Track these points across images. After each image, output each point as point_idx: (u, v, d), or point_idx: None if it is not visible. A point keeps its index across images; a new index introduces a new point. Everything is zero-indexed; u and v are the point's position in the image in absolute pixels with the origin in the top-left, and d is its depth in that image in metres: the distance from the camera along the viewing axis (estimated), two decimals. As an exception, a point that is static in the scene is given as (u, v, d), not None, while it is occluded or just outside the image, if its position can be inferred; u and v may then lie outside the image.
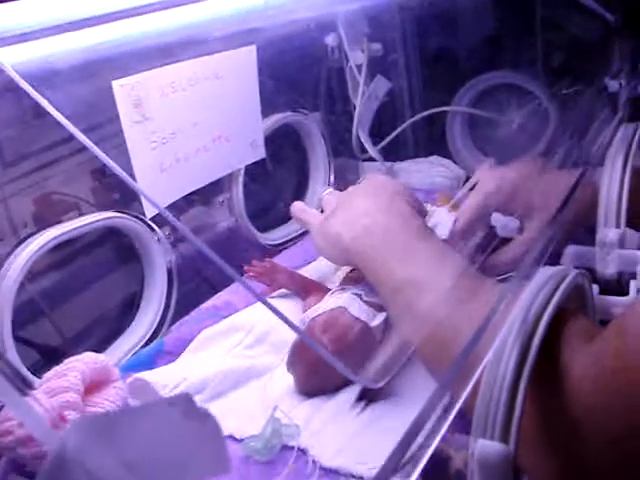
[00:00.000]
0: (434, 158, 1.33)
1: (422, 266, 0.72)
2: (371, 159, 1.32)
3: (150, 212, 0.93)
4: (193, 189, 0.99)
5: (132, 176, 0.89)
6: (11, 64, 0.59)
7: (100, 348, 0.93)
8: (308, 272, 1.00)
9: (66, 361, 0.74)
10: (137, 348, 0.95)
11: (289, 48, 1.10)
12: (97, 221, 0.90)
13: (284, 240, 1.19)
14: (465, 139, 1.34)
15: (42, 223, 0.88)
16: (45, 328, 0.93)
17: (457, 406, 0.51)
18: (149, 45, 0.83)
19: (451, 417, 0.50)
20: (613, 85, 0.95)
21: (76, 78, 0.77)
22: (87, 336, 0.95)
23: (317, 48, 1.21)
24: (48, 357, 0.93)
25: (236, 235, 1.12)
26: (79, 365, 0.73)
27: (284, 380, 0.79)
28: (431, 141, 1.22)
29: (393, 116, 1.36)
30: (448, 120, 1.33)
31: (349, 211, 0.82)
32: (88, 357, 0.75)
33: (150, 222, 0.95)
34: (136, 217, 0.94)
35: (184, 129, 0.95)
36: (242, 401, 0.78)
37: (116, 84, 0.83)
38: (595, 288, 0.73)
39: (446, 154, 1.34)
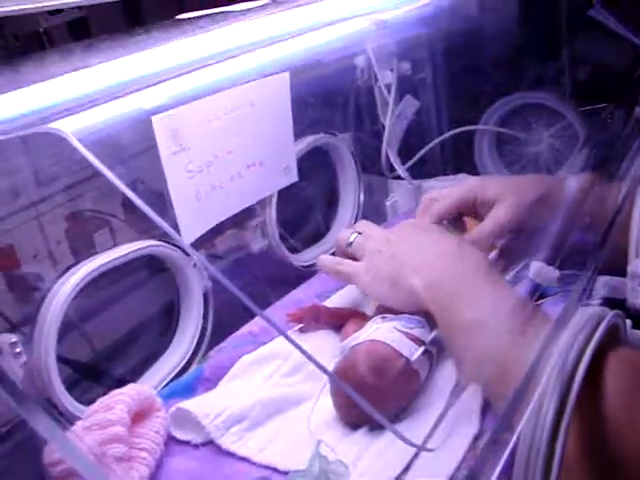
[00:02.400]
0: (462, 176, 1.34)
1: (491, 308, 0.75)
2: (400, 177, 1.33)
3: (188, 239, 0.95)
4: (228, 215, 1.01)
5: (170, 205, 0.91)
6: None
7: (139, 372, 0.96)
8: (342, 297, 1.02)
9: (112, 393, 0.77)
10: (175, 372, 0.97)
11: (320, 72, 1.12)
12: (138, 250, 0.92)
13: (313, 262, 1.21)
14: (493, 157, 1.35)
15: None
16: (85, 353, 0.96)
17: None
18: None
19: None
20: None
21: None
22: (126, 360, 0.98)
23: (347, 70, 1.23)
24: (90, 378, 0.96)
25: (269, 257, 1.13)
26: (124, 398, 0.75)
27: (325, 409, 0.81)
28: (459, 159, 1.23)
29: (422, 134, 1.37)
30: (476, 139, 1.35)
31: (413, 257, 0.86)
32: (132, 389, 0.77)
33: (186, 249, 0.97)
34: (173, 244, 0.96)
35: (220, 157, 0.97)
36: (282, 431, 0.80)
37: (155, 118, 0.85)
38: (629, 322, 0.74)
39: (474, 172, 1.35)
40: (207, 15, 0.86)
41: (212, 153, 0.96)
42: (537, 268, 0.61)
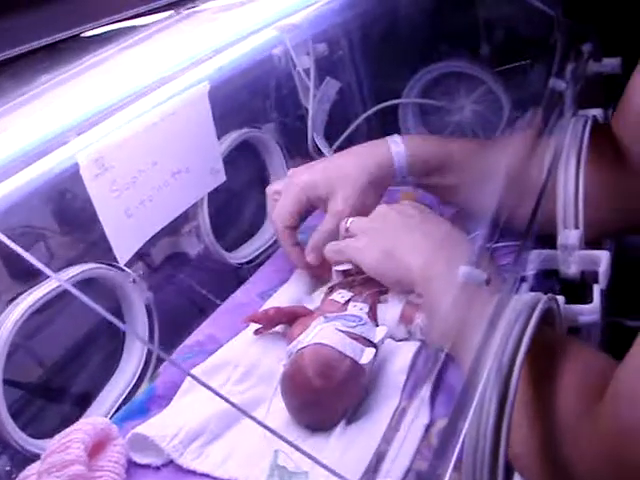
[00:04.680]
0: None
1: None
2: (329, 159, 1.33)
3: (123, 259, 0.94)
4: (161, 226, 1.01)
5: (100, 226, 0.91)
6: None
7: (90, 396, 0.96)
8: (286, 293, 1.02)
9: (66, 431, 0.76)
10: (128, 389, 0.97)
11: (239, 67, 1.11)
12: (74, 276, 0.91)
13: (253, 257, 1.21)
14: (418, 129, 1.37)
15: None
16: (33, 382, 0.95)
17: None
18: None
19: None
20: (559, 84, 0.97)
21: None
22: (76, 385, 0.97)
23: (265, 60, 1.21)
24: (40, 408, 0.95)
25: (207, 260, 1.13)
26: (79, 435, 0.74)
27: (282, 411, 0.81)
28: (386, 134, 1.23)
29: (347, 114, 1.37)
30: (400, 112, 1.35)
31: (409, 234, 0.89)
32: (87, 423, 0.77)
33: (122, 266, 0.96)
34: (109, 264, 0.95)
35: (145, 171, 0.96)
36: (241, 441, 0.81)
37: (80, 155, 0.85)
38: (561, 299, 0.77)
39: (402, 145, 1.36)
40: (113, 32, 0.85)
41: (136, 168, 0.95)
42: (466, 272, 0.62)
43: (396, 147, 1.01)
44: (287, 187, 1.02)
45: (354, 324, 0.82)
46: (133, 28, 0.86)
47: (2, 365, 0.82)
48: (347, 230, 0.96)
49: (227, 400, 0.60)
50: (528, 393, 0.61)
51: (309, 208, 1.03)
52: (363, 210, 0.98)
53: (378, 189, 1.01)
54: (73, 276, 0.90)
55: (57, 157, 0.82)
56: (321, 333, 0.81)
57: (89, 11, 0.73)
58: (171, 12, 0.87)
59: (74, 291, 0.51)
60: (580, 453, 0.58)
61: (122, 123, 0.91)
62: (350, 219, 0.96)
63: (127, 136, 0.92)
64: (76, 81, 0.79)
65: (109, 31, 0.84)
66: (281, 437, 0.57)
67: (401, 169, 1.01)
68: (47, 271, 0.53)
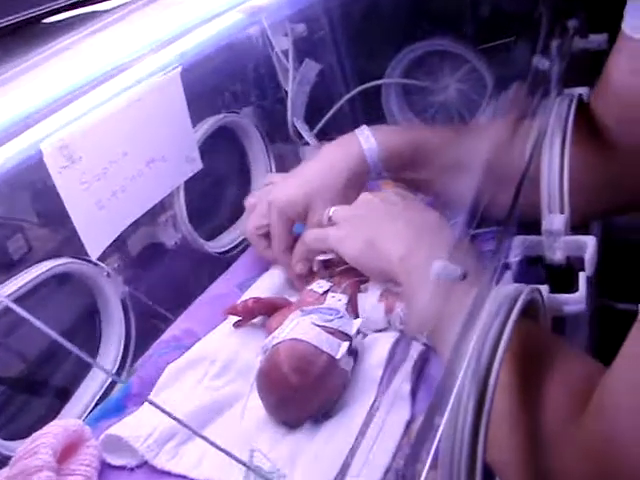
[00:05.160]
0: (373, 131, 1.32)
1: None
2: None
3: (95, 253, 0.91)
4: (135, 218, 0.98)
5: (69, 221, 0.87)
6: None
7: (66, 394, 0.93)
8: (265, 284, 1.00)
9: (34, 435, 0.74)
10: (105, 386, 0.95)
11: (214, 51, 1.07)
12: (46, 271, 0.88)
13: (233, 245, 1.19)
14: (402, 109, 1.33)
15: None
16: (7, 378, 0.92)
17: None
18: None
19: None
20: (543, 63, 0.94)
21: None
22: (53, 382, 0.94)
23: (241, 43, 1.18)
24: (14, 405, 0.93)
25: (185, 250, 1.10)
26: (48, 439, 0.72)
27: (259, 407, 0.79)
28: (370, 116, 1.20)
29: (328, 96, 1.33)
30: (383, 93, 1.32)
31: (391, 223, 0.86)
32: (57, 426, 0.75)
33: (95, 260, 0.93)
34: (82, 258, 0.92)
35: (116, 161, 0.93)
36: (217, 438, 0.78)
37: (44, 144, 0.81)
38: (545, 288, 0.74)
39: (386, 127, 1.33)
40: (75, 18, 0.81)
41: (107, 159, 0.91)
42: (440, 267, 0.59)
43: (367, 143, 0.98)
44: (267, 210, 0.99)
45: (331, 317, 0.80)
46: (98, 13, 0.83)
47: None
48: (330, 219, 0.93)
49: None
50: (508, 394, 0.58)
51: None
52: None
53: (355, 189, 0.97)
54: (44, 272, 0.88)
55: (21, 144, 0.79)
56: (297, 328, 0.79)
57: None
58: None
59: (14, 307, 0.48)
60: (563, 466, 0.56)
61: (88, 110, 0.87)
62: (333, 208, 0.94)
63: (94, 124, 0.88)
64: (39, 68, 0.76)
65: (72, 16, 0.81)
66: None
67: (375, 165, 0.98)
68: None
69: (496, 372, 0.54)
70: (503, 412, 0.57)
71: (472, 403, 0.53)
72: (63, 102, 0.81)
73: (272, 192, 1.00)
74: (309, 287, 0.92)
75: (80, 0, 0.80)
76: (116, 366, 0.96)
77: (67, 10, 0.78)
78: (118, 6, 0.82)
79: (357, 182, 0.98)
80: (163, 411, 0.50)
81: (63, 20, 0.80)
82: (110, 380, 0.94)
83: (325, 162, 1.00)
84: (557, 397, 0.58)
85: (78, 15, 0.81)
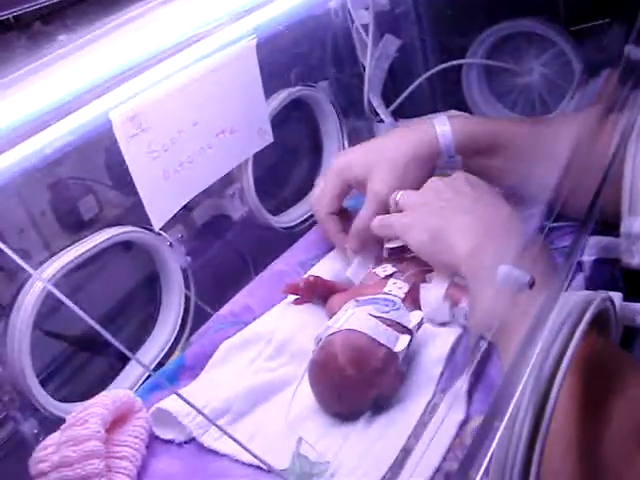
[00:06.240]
0: (452, 112, 1.27)
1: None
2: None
3: (159, 224, 0.91)
4: (200, 190, 0.97)
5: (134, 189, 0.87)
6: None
7: (125, 357, 0.94)
8: (326, 265, 0.98)
9: (87, 403, 0.74)
10: (162, 353, 0.95)
11: (290, 20, 1.05)
12: (110, 238, 0.88)
13: (299, 221, 1.17)
14: (483, 91, 1.28)
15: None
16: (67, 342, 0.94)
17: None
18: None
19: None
20: (635, 52, 0.88)
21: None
22: (107, 352, 0.95)
23: (321, 15, 1.15)
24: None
25: (251, 223, 1.09)
26: (98, 410, 0.72)
27: (307, 397, 0.77)
28: (448, 95, 1.16)
29: (407, 73, 1.29)
30: (464, 73, 1.27)
31: (460, 216, 0.82)
32: (108, 397, 0.75)
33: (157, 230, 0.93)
34: (145, 227, 0.92)
35: (185, 131, 0.92)
36: (265, 423, 0.77)
37: (113, 112, 0.81)
38: (618, 296, 0.70)
39: (464, 108, 1.28)
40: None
41: (176, 129, 0.91)
42: (506, 274, 0.56)
43: (442, 126, 0.95)
44: (327, 173, 0.99)
45: (388, 309, 0.77)
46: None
47: (29, 333, 0.80)
48: (397, 204, 0.90)
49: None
50: (570, 416, 0.55)
51: (348, 191, 0.98)
52: (408, 189, 0.92)
53: (422, 169, 0.94)
54: (106, 239, 0.88)
55: (91, 112, 0.79)
56: (352, 318, 0.76)
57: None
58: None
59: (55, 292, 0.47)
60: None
61: (160, 79, 0.86)
62: (400, 192, 0.91)
63: (165, 93, 0.88)
64: (113, 35, 0.75)
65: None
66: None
67: (447, 147, 0.94)
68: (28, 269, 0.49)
69: (558, 386, 0.51)
70: (559, 429, 0.54)
71: (530, 415, 0.51)
72: (137, 71, 0.81)
73: (337, 157, 0.99)
74: (373, 270, 0.90)
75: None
76: (173, 336, 0.96)
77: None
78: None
79: (425, 161, 0.95)
80: (188, 403, 0.49)
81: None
82: (168, 348, 0.94)
83: (395, 137, 0.98)
84: (622, 426, 0.54)
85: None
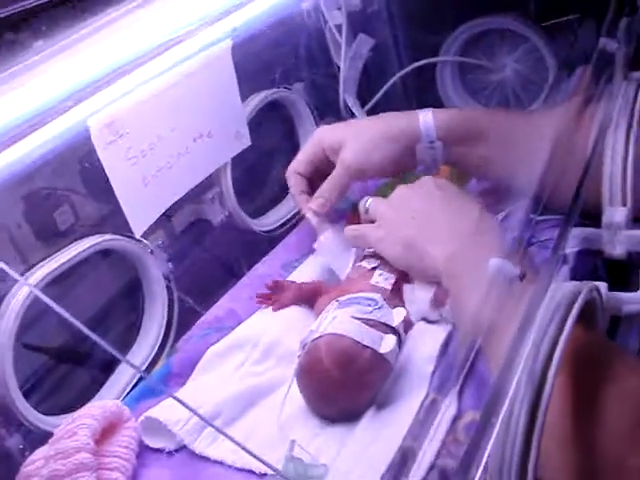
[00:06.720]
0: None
1: None
2: (362, 120, 1.26)
3: (139, 230, 0.90)
4: (180, 195, 0.96)
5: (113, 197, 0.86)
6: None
7: (109, 368, 0.92)
8: (309, 267, 0.98)
9: (74, 415, 0.73)
10: (148, 360, 0.94)
11: (264, 22, 1.05)
12: (91, 246, 0.87)
13: (279, 224, 1.17)
14: (457, 88, 1.29)
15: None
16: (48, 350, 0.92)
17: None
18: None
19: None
20: (610, 44, 0.89)
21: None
22: (94, 358, 0.94)
23: (294, 16, 1.15)
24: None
25: (231, 227, 1.08)
26: (88, 421, 0.71)
27: (296, 399, 0.77)
28: (423, 93, 1.16)
29: (381, 72, 1.29)
30: (438, 70, 1.28)
31: (432, 223, 0.84)
32: (97, 407, 0.74)
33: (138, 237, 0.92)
34: (126, 235, 0.91)
35: (163, 137, 0.91)
36: (256, 427, 0.77)
37: (91, 119, 0.80)
38: (604, 286, 0.70)
39: (439, 106, 1.28)
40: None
41: (154, 134, 0.90)
42: (497, 265, 0.56)
43: (425, 112, 0.97)
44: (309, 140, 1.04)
45: (370, 309, 0.77)
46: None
47: (11, 344, 0.79)
48: (367, 211, 0.92)
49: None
50: (564, 409, 0.55)
51: (325, 160, 1.00)
52: (380, 166, 0.97)
53: (397, 147, 0.96)
54: (87, 248, 0.87)
55: (68, 121, 0.78)
56: (335, 322, 0.76)
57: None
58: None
59: (42, 296, 0.46)
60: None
61: (136, 85, 0.85)
62: (370, 199, 0.93)
63: (142, 99, 0.87)
64: (88, 41, 0.74)
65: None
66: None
67: (428, 130, 0.96)
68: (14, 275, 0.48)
69: (551, 379, 0.51)
70: (555, 423, 0.54)
71: (525, 409, 0.51)
72: (113, 77, 0.80)
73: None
74: (358, 263, 0.90)
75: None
76: (158, 343, 0.95)
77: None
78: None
79: (401, 142, 0.97)
80: (186, 406, 0.48)
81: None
82: (153, 355, 0.93)
83: (376, 118, 1.03)
84: (617, 413, 0.54)
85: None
